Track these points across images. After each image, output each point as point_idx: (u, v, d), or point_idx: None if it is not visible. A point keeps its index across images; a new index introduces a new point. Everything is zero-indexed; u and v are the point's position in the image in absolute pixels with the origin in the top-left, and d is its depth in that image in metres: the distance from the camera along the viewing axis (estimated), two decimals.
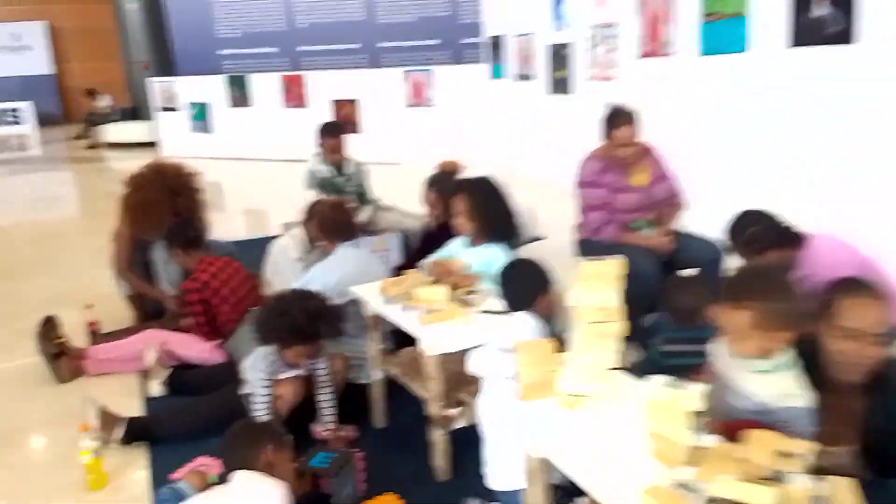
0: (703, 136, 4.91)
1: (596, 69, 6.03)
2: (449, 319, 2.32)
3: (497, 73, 7.84)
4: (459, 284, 2.51)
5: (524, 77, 7.26)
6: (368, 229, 3.94)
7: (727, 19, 4.56)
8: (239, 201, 7.66)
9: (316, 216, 3.20)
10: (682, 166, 4.77)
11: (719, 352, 1.79)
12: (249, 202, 7.62)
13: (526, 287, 2.09)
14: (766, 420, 1.54)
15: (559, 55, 6.56)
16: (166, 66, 10.84)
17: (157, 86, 10.56)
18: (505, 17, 7.45)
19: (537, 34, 6.85)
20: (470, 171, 3.74)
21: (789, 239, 2.62)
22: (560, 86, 6.63)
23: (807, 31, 4.01)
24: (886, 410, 1.68)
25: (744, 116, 4.49)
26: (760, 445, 1.31)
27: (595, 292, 1.65)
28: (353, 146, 4.64)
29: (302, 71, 9.49)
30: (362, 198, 4.39)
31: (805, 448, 1.33)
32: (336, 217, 3.02)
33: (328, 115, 8.92)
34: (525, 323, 1.97)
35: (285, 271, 3.60)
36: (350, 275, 2.82)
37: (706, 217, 3.51)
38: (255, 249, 4.08)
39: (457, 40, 9.25)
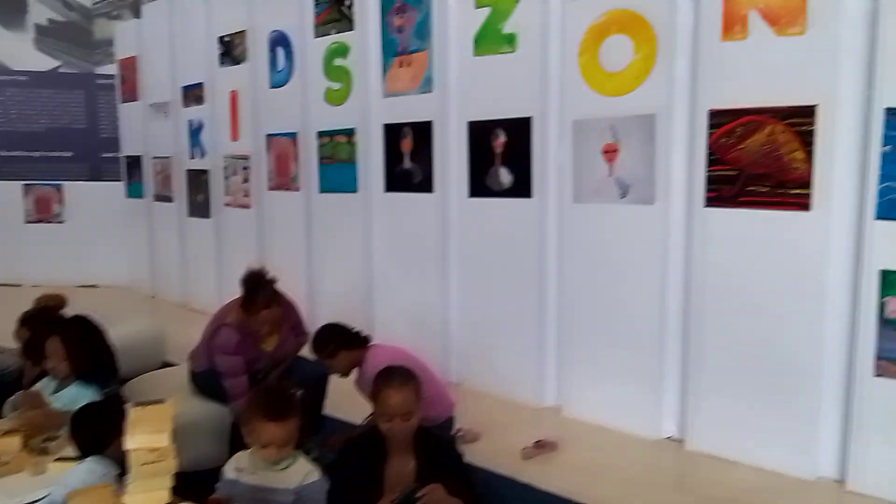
0: (325, 264, 5.46)
1: (232, 196, 6.33)
2: (18, 471, 2.23)
3: (135, 192, 7.69)
4: (40, 430, 2.43)
5: (163, 198, 7.24)
6: None
7: (341, 164, 5.25)
8: None
9: None
10: (304, 291, 5.27)
11: (240, 470, 2.09)
12: None
13: (98, 430, 2.14)
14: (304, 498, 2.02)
15: (198, 180, 6.73)
16: None
17: None
18: (143, 138, 7.42)
19: (175, 158, 6.97)
20: (79, 303, 3.63)
21: (356, 341, 3.26)
22: (199, 209, 6.77)
23: (398, 180, 4.84)
24: (427, 466, 2.23)
25: (355, 245, 5.14)
26: None
27: (147, 434, 1.80)
28: None
29: None
30: None
31: None
32: None
33: None
34: (89, 470, 2.01)
35: None
36: None
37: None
38: None
39: (95, 154, 8.83)
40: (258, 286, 3.25)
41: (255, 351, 3.32)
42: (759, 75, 3.08)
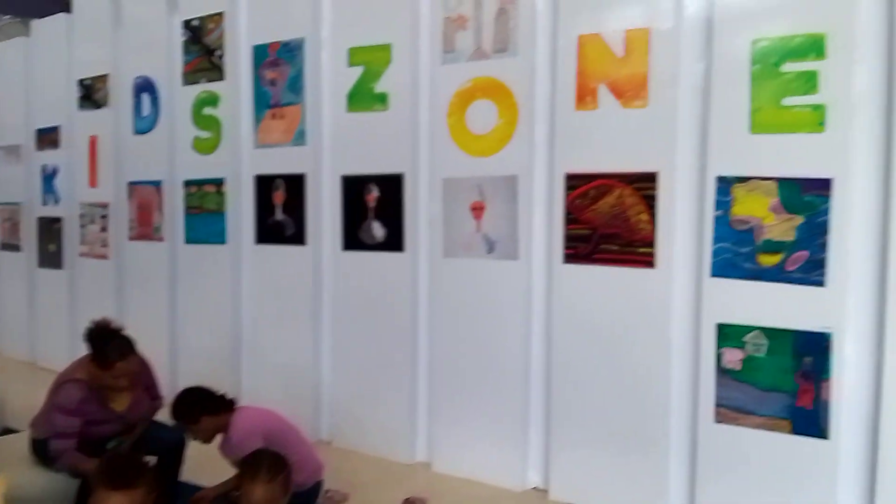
0: (190, 318, 5.22)
1: (88, 246, 5.96)
2: None
3: None
4: None
5: (10, 247, 6.70)
6: None
7: (209, 214, 5.09)
8: None
9: None
10: (166, 348, 5.02)
11: None
12: None
13: None
14: None
15: (50, 228, 6.29)
16: None
17: None
18: None
19: (25, 205, 6.49)
20: None
21: (221, 406, 3.08)
22: (50, 259, 6.31)
23: (269, 232, 4.75)
24: None
25: (223, 299, 4.96)
26: None
27: None
28: None
29: None
30: None
31: None
32: None
33: None
34: None
35: None
36: None
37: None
38: None
39: None
40: (107, 337, 3.05)
41: (103, 412, 3.09)
42: (609, 143, 3.34)
